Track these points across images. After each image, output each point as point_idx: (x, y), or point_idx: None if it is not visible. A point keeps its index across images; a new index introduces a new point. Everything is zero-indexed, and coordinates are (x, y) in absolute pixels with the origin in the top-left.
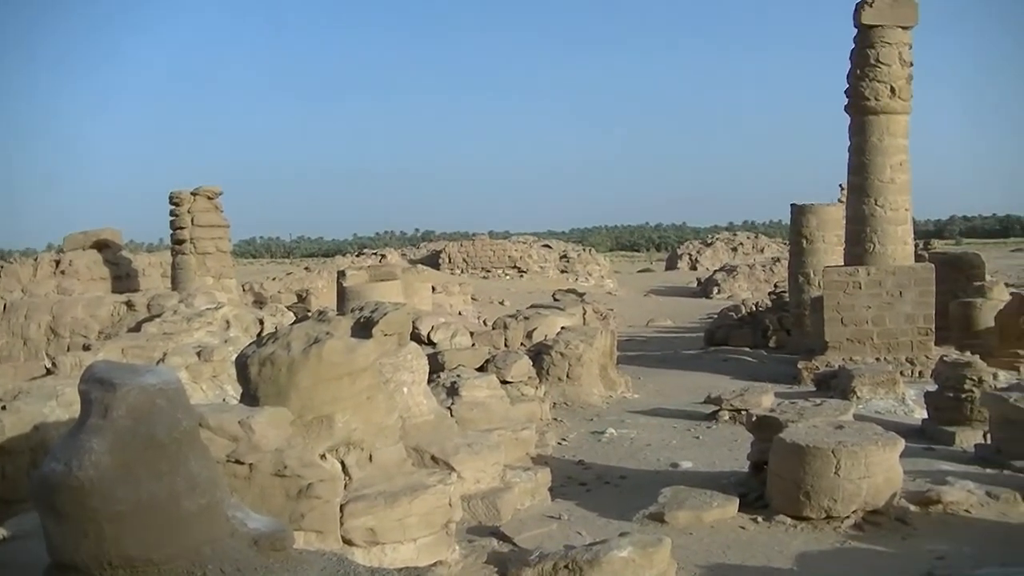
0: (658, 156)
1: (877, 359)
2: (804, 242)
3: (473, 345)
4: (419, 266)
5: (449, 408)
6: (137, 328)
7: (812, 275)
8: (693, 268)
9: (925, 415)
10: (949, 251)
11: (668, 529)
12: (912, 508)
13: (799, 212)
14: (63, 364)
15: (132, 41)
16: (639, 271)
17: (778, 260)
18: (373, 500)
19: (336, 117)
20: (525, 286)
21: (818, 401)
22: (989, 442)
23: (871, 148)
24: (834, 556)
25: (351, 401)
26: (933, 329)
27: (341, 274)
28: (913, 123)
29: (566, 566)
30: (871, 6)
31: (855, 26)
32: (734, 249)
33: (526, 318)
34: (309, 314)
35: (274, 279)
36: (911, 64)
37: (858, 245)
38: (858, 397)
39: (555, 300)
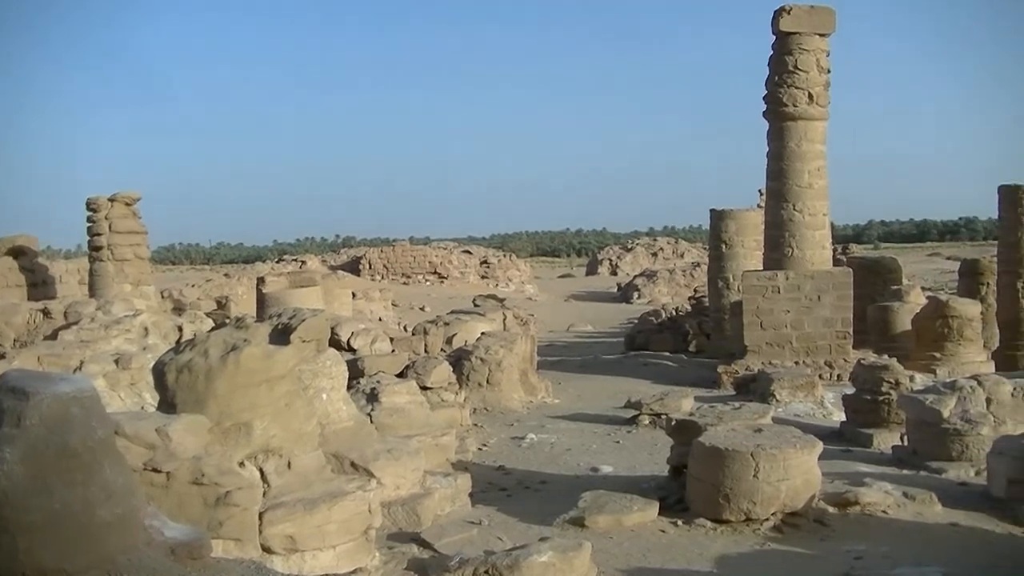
0: (579, 162)
1: (796, 363)
2: (723, 247)
3: (393, 351)
4: (339, 272)
5: (369, 414)
6: (54, 336)
7: (732, 280)
8: (614, 273)
9: (843, 418)
10: (867, 256)
11: (588, 533)
12: (830, 509)
13: (718, 217)
14: None
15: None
16: (560, 276)
17: (698, 265)
18: (292, 507)
19: (256, 122)
20: (446, 292)
21: (737, 405)
22: (906, 444)
23: (789, 154)
24: (753, 558)
25: (269, 408)
26: (851, 333)
27: (261, 280)
28: (831, 129)
29: (486, 571)
30: (789, 14)
31: (773, 33)
32: (654, 254)
33: (446, 324)
34: (227, 321)
35: (193, 286)
36: (829, 71)
37: (777, 250)
38: (777, 400)
39: (475, 306)
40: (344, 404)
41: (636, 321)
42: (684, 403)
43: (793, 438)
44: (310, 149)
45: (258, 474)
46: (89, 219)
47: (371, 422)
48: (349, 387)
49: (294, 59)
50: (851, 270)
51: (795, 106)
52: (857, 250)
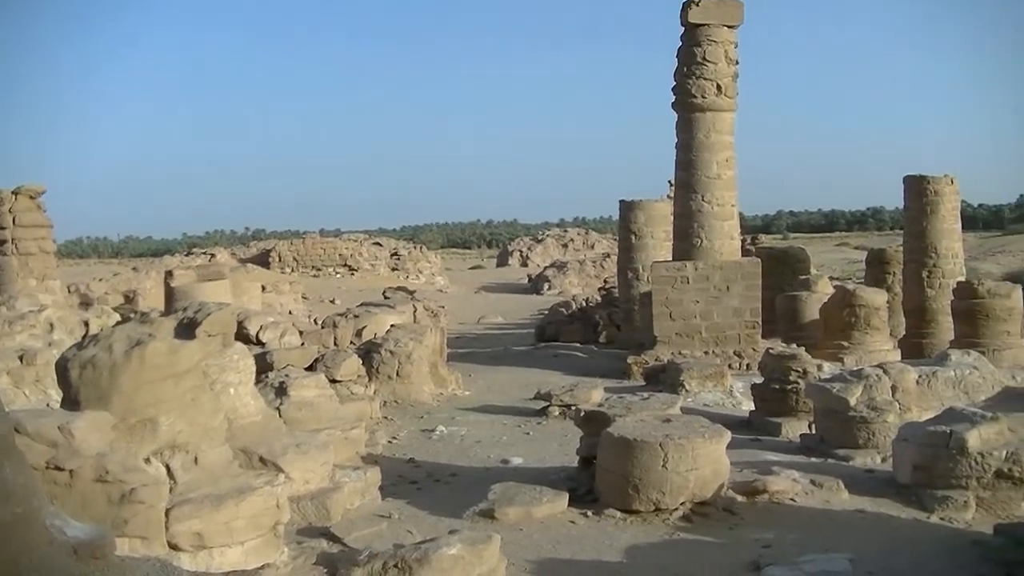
0: (489, 153)
1: (705, 353)
2: (633, 238)
3: (302, 344)
4: (249, 265)
5: (278, 408)
6: None
7: (641, 271)
8: (524, 265)
9: (752, 407)
10: (776, 246)
11: (498, 525)
12: (739, 498)
13: (628, 208)
14: None
15: None
16: (470, 268)
17: (608, 256)
18: (199, 503)
19: (164, 114)
20: (356, 284)
21: (646, 395)
22: (814, 432)
23: (698, 145)
24: (663, 548)
25: (175, 403)
26: (760, 322)
27: (169, 274)
28: (739, 119)
29: (395, 565)
30: (698, 5)
31: (682, 24)
32: (565, 245)
33: (356, 316)
34: (133, 316)
35: (101, 280)
36: (737, 62)
37: (686, 240)
38: (687, 390)
39: (385, 298)
40: (252, 398)
41: (546, 312)
42: (594, 394)
43: (701, 428)
44: (219, 142)
45: (164, 470)
46: None
47: (280, 416)
48: (258, 381)
49: (200, 53)
50: (760, 260)
51: (703, 97)
52: (766, 240)
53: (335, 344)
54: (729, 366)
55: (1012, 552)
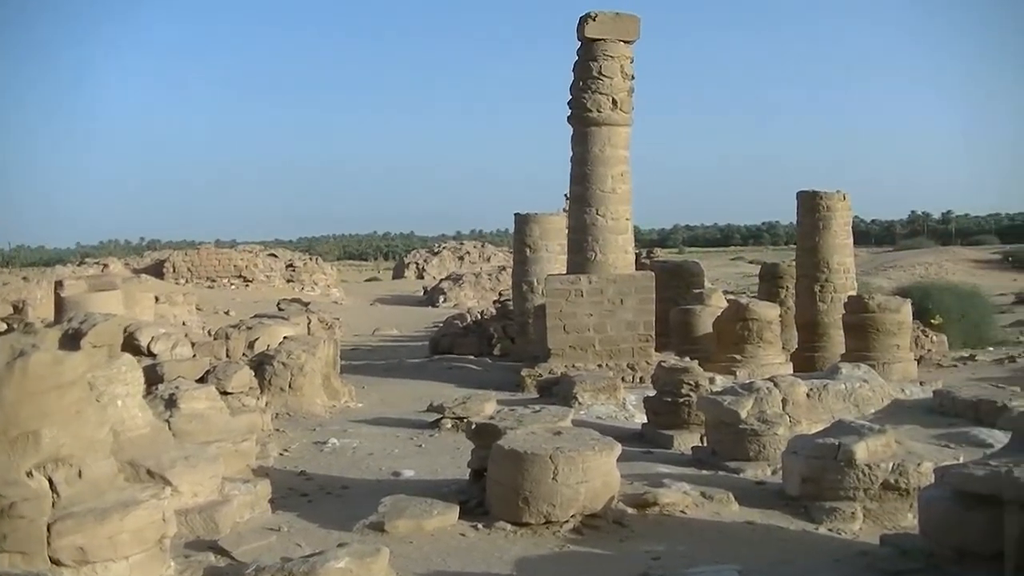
0: (387, 165)
1: (599, 366)
2: (528, 251)
3: (194, 356)
4: (143, 276)
5: (167, 420)
6: None
7: (536, 283)
8: (420, 277)
9: (645, 420)
10: (670, 260)
11: (388, 538)
12: (630, 511)
13: (523, 221)
14: None
15: None
16: (366, 280)
17: (504, 269)
18: (82, 518)
19: (55, 120)
20: (251, 296)
21: (537, 408)
22: (705, 444)
23: (593, 159)
24: (553, 560)
25: (59, 416)
26: (653, 336)
27: (59, 284)
28: (635, 134)
29: None
30: (595, 20)
31: (579, 39)
32: (461, 258)
33: (249, 328)
34: (16, 326)
35: None
36: (633, 77)
37: (580, 254)
38: (580, 403)
39: (280, 310)
40: (140, 410)
41: (441, 325)
42: (487, 406)
43: (592, 440)
44: (113, 151)
45: (47, 484)
46: None
47: (169, 428)
48: (148, 393)
49: (93, 60)
50: (653, 274)
51: (599, 111)
52: (662, 254)
53: (227, 356)
54: (622, 379)
55: (897, 562)
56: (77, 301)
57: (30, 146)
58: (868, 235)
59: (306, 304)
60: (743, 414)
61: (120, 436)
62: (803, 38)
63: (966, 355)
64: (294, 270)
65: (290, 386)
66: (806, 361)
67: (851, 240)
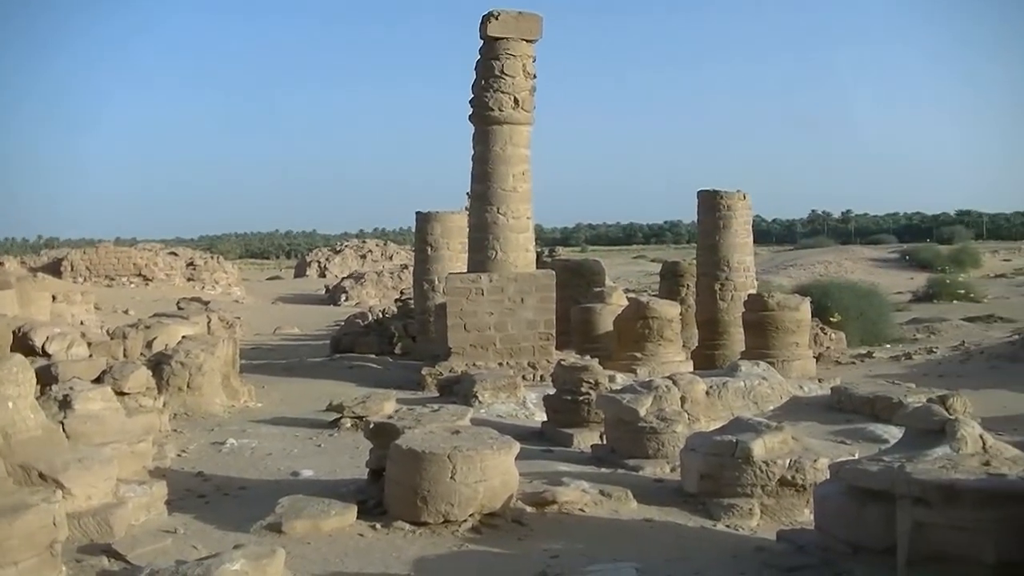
0: (289, 162)
1: (500, 364)
2: (429, 249)
3: (91, 356)
4: (39, 274)
5: (61, 422)
6: None
7: (437, 282)
8: (322, 275)
9: (545, 418)
10: (572, 258)
11: (286, 539)
12: (529, 509)
13: (424, 220)
14: None
15: None
16: (268, 279)
17: (407, 267)
18: None
19: None
20: (151, 294)
21: (436, 407)
22: (605, 443)
23: (494, 157)
24: (451, 559)
25: None
26: (554, 334)
27: None
28: (539, 133)
29: None
30: (497, 19)
31: (481, 38)
32: (363, 256)
33: (147, 327)
34: None
35: None
36: (535, 76)
37: (481, 252)
38: (480, 402)
39: (179, 308)
40: (32, 412)
41: (343, 324)
42: (386, 405)
43: (490, 439)
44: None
45: None
46: None
47: (63, 430)
48: (41, 394)
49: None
50: (554, 272)
51: (501, 110)
52: (564, 253)
53: (125, 356)
54: (523, 377)
55: (793, 558)
56: None
57: None
58: (769, 234)
59: (206, 303)
60: (642, 412)
61: (11, 439)
62: (701, 35)
63: (864, 352)
64: (195, 269)
65: (188, 386)
66: (706, 359)
67: (751, 239)
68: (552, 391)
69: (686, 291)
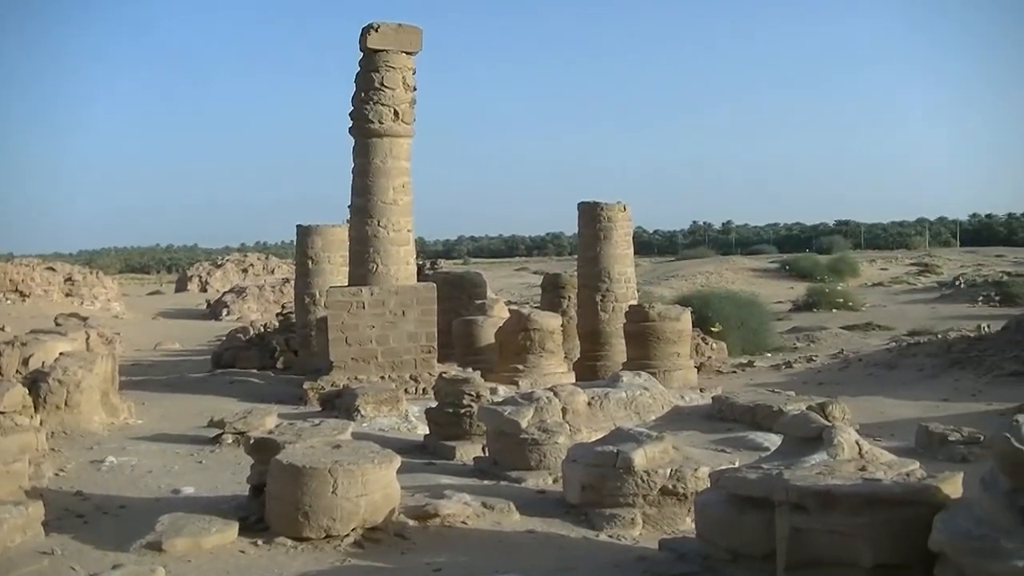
0: (170, 174)
1: (382, 377)
2: (310, 263)
3: None
4: None
5: None
6: None
7: (318, 295)
8: (204, 290)
9: (427, 431)
10: (453, 271)
11: (166, 558)
12: (411, 523)
13: (305, 233)
14: None
15: None
16: (149, 294)
17: (288, 281)
18: None
19: None
20: (27, 310)
21: (317, 421)
22: (487, 455)
23: (374, 170)
24: (334, 575)
25: None
26: (435, 347)
27: None
28: (421, 146)
29: None
30: (377, 31)
31: (361, 50)
32: (245, 270)
33: (23, 344)
34: None
35: None
36: (415, 89)
37: (362, 266)
38: (362, 415)
39: (57, 325)
40: None
41: (224, 338)
42: (268, 420)
43: (371, 453)
44: None
45: None
46: None
47: None
48: None
49: None
50: (435, 285)
51: (381, 123)
52: (447, 265)
53: (0, 374)
54: (405, 391)
55: (675, 566)
56: None
57: None
58: (651, 245)
59: (85, 319)
60: (523, 424)
61: None
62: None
63: (745, 361)
64: (73, 284)
65: (66, 404)
66: (589, 370)
67: (632, 250)
68: (434, 404)
69: (568, 303)
